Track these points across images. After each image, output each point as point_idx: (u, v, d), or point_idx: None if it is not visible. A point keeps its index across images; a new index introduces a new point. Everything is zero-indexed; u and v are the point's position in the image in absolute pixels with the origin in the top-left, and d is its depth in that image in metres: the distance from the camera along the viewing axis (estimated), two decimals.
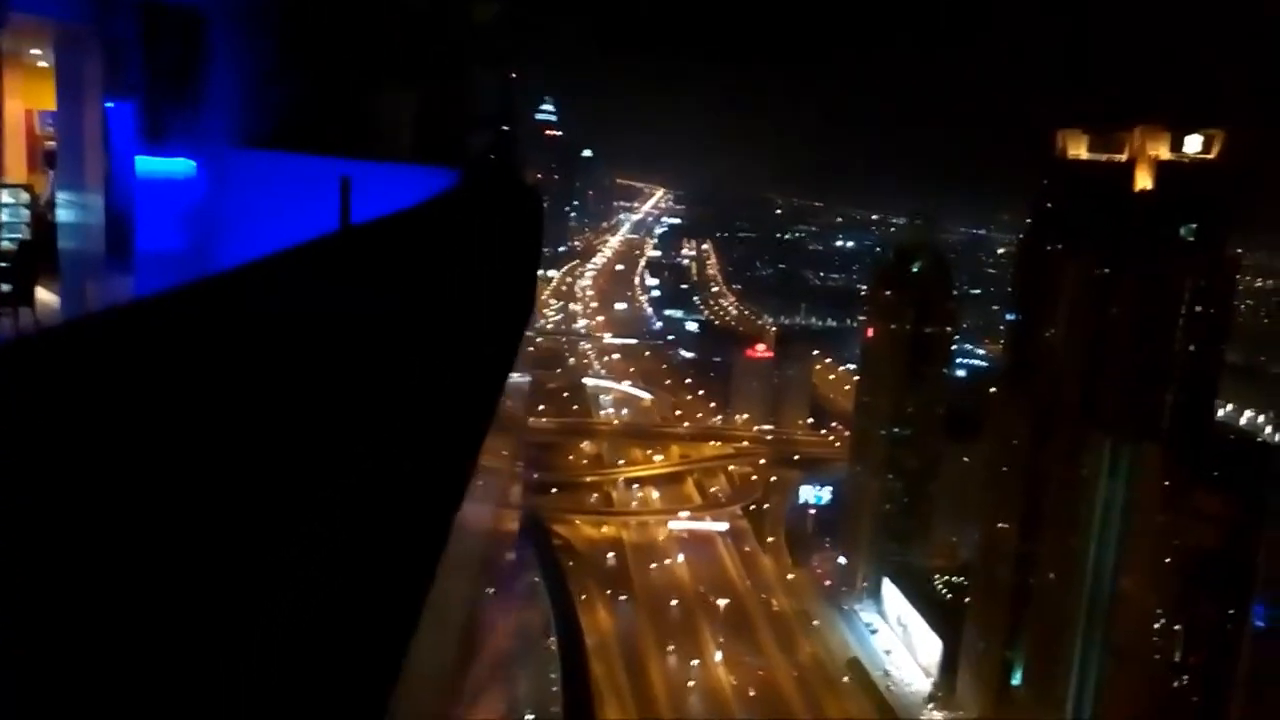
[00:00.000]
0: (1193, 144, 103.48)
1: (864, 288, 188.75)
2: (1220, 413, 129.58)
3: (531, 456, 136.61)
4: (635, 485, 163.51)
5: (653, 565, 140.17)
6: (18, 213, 12.45)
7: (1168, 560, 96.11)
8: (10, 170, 13.43)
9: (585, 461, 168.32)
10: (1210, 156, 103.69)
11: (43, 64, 13.31)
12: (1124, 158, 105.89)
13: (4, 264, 11.57)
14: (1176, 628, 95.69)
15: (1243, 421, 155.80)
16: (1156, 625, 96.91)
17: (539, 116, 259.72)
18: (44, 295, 11.86)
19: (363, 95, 15.18)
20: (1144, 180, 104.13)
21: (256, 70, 13.37)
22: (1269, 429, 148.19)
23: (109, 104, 12.47)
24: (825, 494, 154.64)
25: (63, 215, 12.46)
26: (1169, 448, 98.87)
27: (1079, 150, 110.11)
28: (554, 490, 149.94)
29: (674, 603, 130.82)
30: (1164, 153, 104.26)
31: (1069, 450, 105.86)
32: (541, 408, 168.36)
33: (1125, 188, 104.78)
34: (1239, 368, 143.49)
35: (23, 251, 11.92)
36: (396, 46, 16.58)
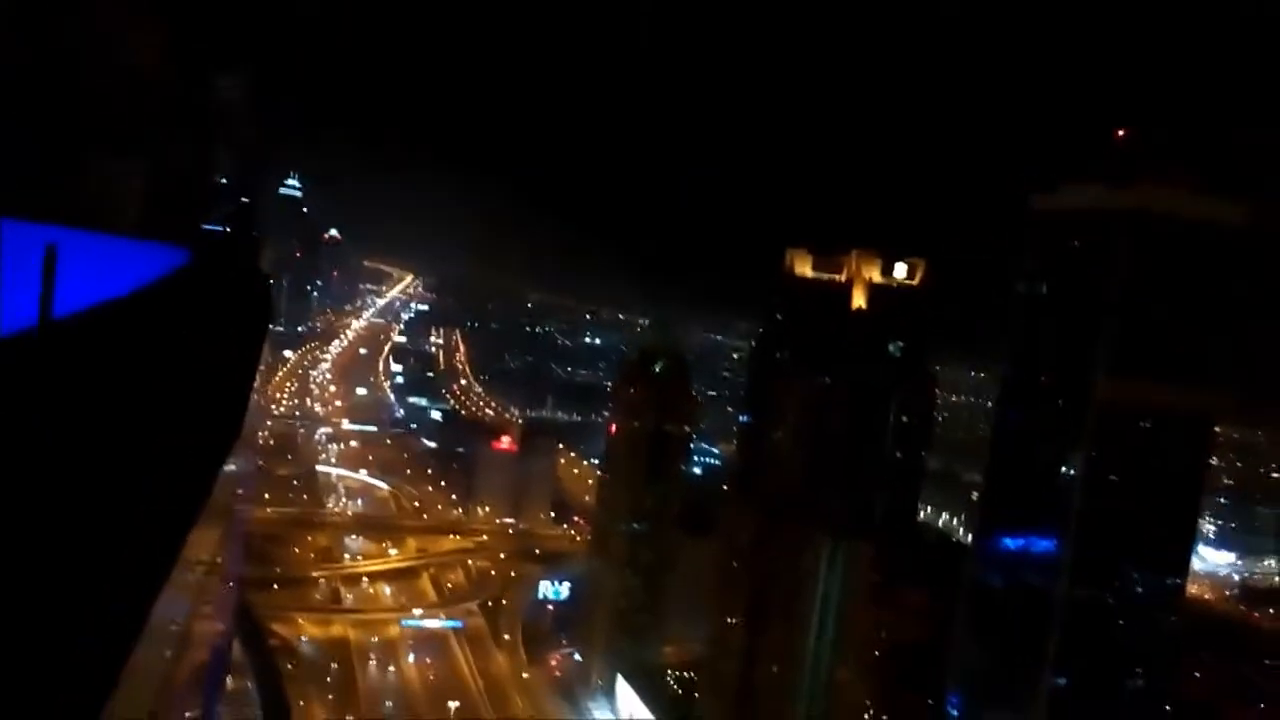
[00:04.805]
0: (900, 270, 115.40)
1: (609, 384, 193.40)
2: (921, 515, 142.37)
3: (253, 549, 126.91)
4: (367, 581, 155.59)
5: (381, 667, 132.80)
6: None
7: (876, 653, 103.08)
8: None
9: (313, 555, 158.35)
10: (914, 283, 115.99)
11: None
12: (842, 278, 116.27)
13: None
14: (884, 718, 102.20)
15: (940, 523, 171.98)
16: (866, 716, 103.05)
17: (283, 192, 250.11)
18: None
19: (82, 157, 13.86)
20: (859, 300, 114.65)
21: None
22: (961, 530, 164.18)
23: None
24: (564, 589, 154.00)
25: None
26: (878, 546, 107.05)
27: (805, 269, 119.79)
28: (275, 586, 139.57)
29: (401, 708, 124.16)
30: (876, 277, 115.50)
31: (792, 547, 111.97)
32: (267, 496, 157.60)
33: (844, 305, 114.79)
34: (938, 474, 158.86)
35: None
36: (126, 108, 15.36)
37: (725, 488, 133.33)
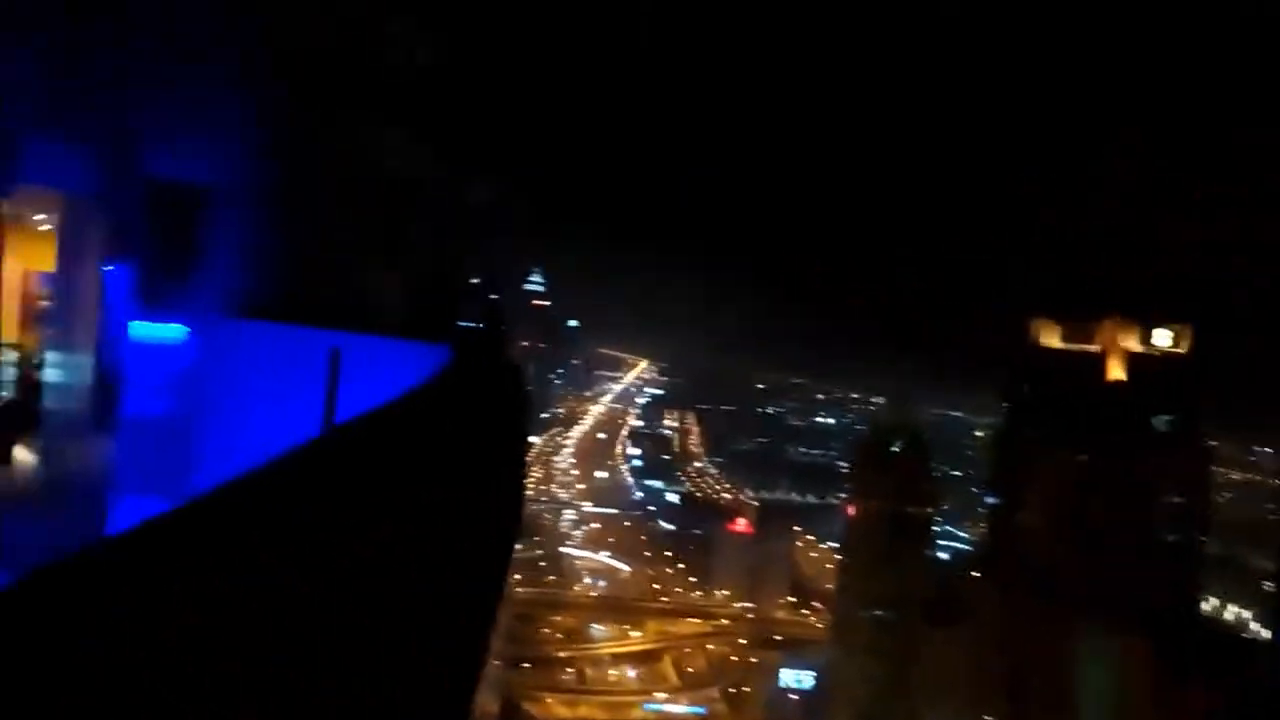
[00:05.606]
0: (1162, 338, 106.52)
1: (844, 465, 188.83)
2: (1205, 606, 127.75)
3: (504, 628, 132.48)
4: (609, 662, 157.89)
5: None
6: (4, 371, 12.55)
7: None
8: (4, 329, 13.53)
9: (559, 635, 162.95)
10: (1180, 351, 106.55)
11: (45, 227, 13.45)
12: (1096, 348, 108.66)
13: None
14: None
15: (1227, 615, 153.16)
16: None
17: (528, 287, 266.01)
18: (22, 454, 11.82)
19: (354, 267, 15.67)
20: (1116, 371, 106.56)
21: (252, 243, 13.85)
22: (1254, 623, 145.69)
23: (107, 267, 12.73)
24: (806, 677, 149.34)
25: (50, 375, 12.56)
26: (1157, 640, 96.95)
27: (1052, 339, 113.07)
28: (526, 665, 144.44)
29: None
30: (1135, 345, 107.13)
31: (1054, 639, 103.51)
32: (517, 576, 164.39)
33: (1099, 377, 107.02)
34: (1220, 560, 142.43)
35: (5, 410, 11.98)
36: (389, 220, 17.24)
37: (974, 573, 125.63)
